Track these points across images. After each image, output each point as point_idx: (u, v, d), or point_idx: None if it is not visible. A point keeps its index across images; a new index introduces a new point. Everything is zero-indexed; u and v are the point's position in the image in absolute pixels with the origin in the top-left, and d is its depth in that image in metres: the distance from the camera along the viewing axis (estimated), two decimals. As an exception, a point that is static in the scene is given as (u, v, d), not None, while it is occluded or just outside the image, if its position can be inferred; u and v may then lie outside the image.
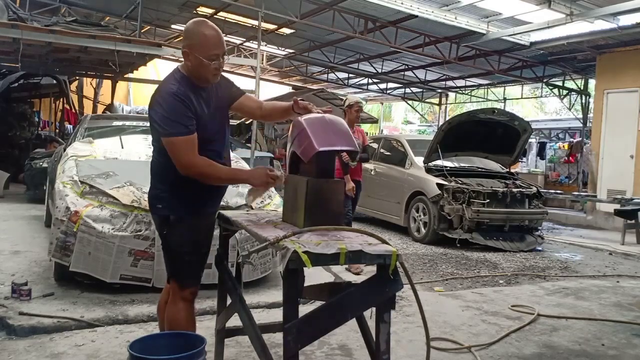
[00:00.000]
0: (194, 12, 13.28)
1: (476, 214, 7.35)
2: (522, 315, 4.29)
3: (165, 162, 2.39)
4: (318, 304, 2.21)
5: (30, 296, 3.79)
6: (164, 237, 2.51)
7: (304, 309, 2.05)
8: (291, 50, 16.57)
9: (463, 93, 20.22)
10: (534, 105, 28.42)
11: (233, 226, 2.61)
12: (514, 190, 7.72)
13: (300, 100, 2.51)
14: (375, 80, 19.82)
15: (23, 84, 13.65)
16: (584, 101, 15.44)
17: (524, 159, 17.60)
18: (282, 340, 1.90)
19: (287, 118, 2.67)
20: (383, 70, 17.64)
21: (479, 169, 8.62)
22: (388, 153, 9.25)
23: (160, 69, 19.40)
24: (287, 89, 22.77)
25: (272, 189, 4.98)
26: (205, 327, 3.48)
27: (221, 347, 2.82)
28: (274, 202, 4.71)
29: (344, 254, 1.91)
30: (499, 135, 8.28)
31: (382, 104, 26.92)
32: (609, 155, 11.26)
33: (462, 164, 8.74)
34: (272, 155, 14.56)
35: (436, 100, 22.13)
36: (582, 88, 15.45)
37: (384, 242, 2.08)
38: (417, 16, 10.68)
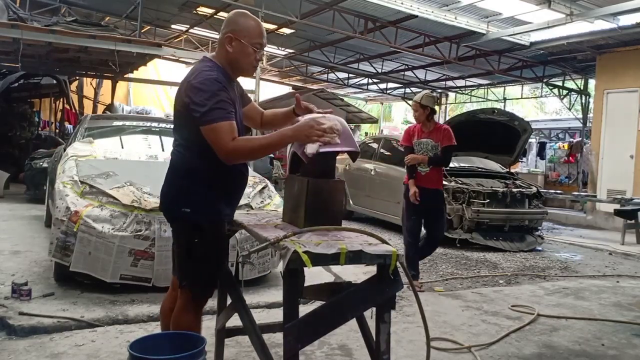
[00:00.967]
0: (194, 12, 13.29)
1: (476, 214, 7.35)
2: (522, 315, 4.29)
3: (199, 160, 2.25)
4: (318, 304, 2.21)
5: (30, 296, 3.79)
6: (192, 245, 2.30)
7: (304, 309, 2.05)
8: (291, 50, 16.58)
9: (463, 93, 20.23)
10: (534, 105, 28.42)
11: (233, 226, 2.61)
12: (514, 190, 7.72)
13: (302, 100, 2.48)
14: (375, 80, 19.83)
15: (23, 84, 13.65)
16: (584, 101, 15.44)
17: (524, 159, 17.60)
18: (282, 340, 1.90)
19: (289, 123, 2.56)
20: (383, 70, 17.64)
21: (479, 169, 8.62)
22: (388, 153, 9.25)
23: (160, 69, 19.40)
24: (287, 89, 22.76)
25: (272, 189, 5.00)
26: (205, 327, 3.47)
27: (221, 347, 2.82)
28: (274, 202, 4.71)
29: (344, 254, 1.91)
30: (499, 135, 8.28)
31: (382, 104, 26.92)
32: (609, 155, 11.26)
33: (462, 164, 8.74)
34: (272, 155, 14.56)
35: (436, 100, 22.13)
36: (582, 88, 15.45)
37: (384, 242, 2.08)
38: (417, 16, 10.69)
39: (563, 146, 18.48)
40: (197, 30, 15.92)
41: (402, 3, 10.24)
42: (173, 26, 15.53)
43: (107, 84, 15.02)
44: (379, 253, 1.97)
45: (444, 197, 5.50)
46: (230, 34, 2.26)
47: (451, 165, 8.44)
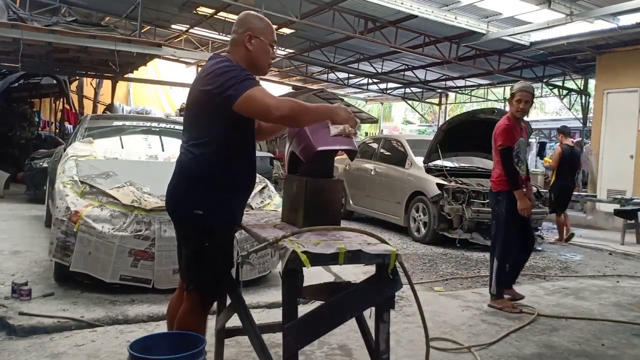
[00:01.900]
0: (194, 12, 13.29)
1: (476, 214, 7.35)
2: (522, 315, 4.29)
3: (214, 160, 2.23)
4: (318, 304, 2.21)
5: (31, 296, 3.79)
6: (201, 248, 2.27)
7: (304, 309, 2.05)
8: (291, 50, 16.57)
9: (463, 93, 20.23)
10: (533, 105, 28.40)
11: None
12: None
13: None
14: (375, 80, 19.83)
15: (23, 84, 13.65)
16: (584, 101, 15.45)
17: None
18: (282, 340, 1.90)
19: (279, 132, 2.69)
20: (383, 70, 17.64)
21: (479, 169, 8.62)
22: (388, 153, 9.25)
23: (160, 69, 19.40)
24: (287, 89, 22.77)
25: (272, 189, 5.00)
26: (205, 327, 3.49)
27: (221, 347, 2.82)
28: (273, 202, 4.71)
29: (343, 254, 1.91)
30: (499, 135, 8.26)
31: (382, 104, 26.92)
32: (609, 155, 11.26)
33: (462, 164, 8.74)
34: (272, 155, 14.56)
35: (436, 100, 22.14)
36: (582, 88, 15.45)
37: (383, 241, 2.09)
38: (417, 16, 10.69)
39: (563, 146, 18.44)
40: (197, 30, 15.92)
41: (402, 3, 10.24)
42: (173, 26, 15.52)
43: (107, 84, 15.02)
44: (378, 253, 1.97)
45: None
46: (250, 32, 2.30)
47: (451, 165, 8.48)
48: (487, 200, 7.44)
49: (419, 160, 8.27)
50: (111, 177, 4.32)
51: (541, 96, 19.76)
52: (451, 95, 21.47)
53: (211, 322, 3.26)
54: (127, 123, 6.45)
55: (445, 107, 22.02)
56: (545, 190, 8.67)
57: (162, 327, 3.52)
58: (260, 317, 3.70)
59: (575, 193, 12.22)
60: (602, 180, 11.40)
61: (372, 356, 2.22)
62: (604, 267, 6.72)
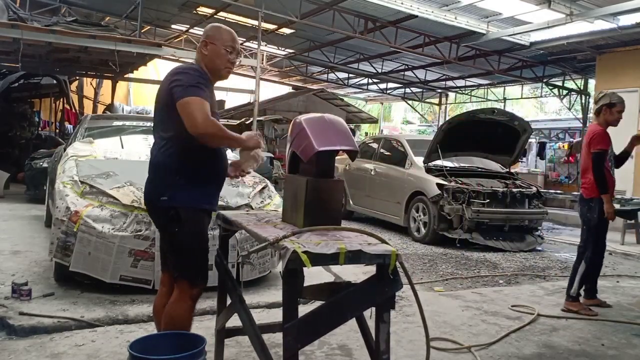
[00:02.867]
0: (194, 12, 13.29)
1: (476, 214, 7.35)
2: (522, 315, 4.29)
3: (179, 150, 2.43)
4: (318, 304, 2.21)
5: (31, 296, 3.79)
6: (174, 234, 2.46)
7: (304, 309, 2.05)
8: (291, 50, 16.58)
9: (463, 93, 20.24)
10: (533, 105, 28.43)
11: (233, 226, 2.62)
12: (514, 190, 7.72)
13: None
14: (375, 80, 19.84)
15: (23, 84, 13.66)
16: (583, 101, 15.45)
17: (524, 159, 17.62)
18: (282, 340, 1.90)
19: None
20: (383, 70, 17.65)
21: (479, 169, 8.62)
22: (388, 153, 9.25)
23: (160, 69, 19.40)
24: (287, 89, 22.78)
25: (272, 189, 5.00)
26: (205, 327, 3.48)
27: (221, 347, 2.82)
28: (274, 202, 4.71)
29: (344, 254, 1.91)
30: (498, 135, 8.28)
31: (382, 104, 26.93)
32: (609, 155, 11.24)
33: (462, 164, 8.74)
34: (272, 155, 14.56)
35: (436, 100, 22.15)
36: (582, 88, 15.46)
37: (383, 242, 2.08)
38: (417, 16, 10.70)
39: (563, 146, 18.48)
40: (197, 30, 15.91)
41: (402, 3, 10.25)
42: (173, 26, 15.53)
43: (107, 84, 15.03)
44: (378, 253, 1.97)
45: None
46: (206, 39, 2.60)
47: (451, 165, 8.48)
48: (488, 201, 7.46)
49: (419, 160, 8.27)
50: (111, 177, 4.32)
51: (541, 96, 19.78)
52: (451, 95, 21.48)
53: (211, 322, 3.27)
54: (127, 123, 6.45)
55: (445, 107, 22.03)
56: (545, 190, 8.67)
57: (162, 327, 3.53)
58: (260, 317, 3.70)
59: (575, 193, 12.24)
60: (602, 180, 11.37)
61: (372, 356, 2.22)
62: (604, 267, 6.70)
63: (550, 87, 15.82)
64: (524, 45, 11.94)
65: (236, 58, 2.63)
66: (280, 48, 16.43)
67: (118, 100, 18.07)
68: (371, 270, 2.09)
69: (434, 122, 24.78)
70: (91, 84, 16.02)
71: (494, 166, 8.77)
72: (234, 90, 20.85)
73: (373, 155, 9.41)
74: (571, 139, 19.16)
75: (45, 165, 8.69)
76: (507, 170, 8.75)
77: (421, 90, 20.80)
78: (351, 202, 9.56)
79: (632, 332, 4.03)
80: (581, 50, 12.01)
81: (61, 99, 15.56)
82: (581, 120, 15.50)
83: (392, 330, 2.23)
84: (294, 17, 11.36)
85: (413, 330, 3.74)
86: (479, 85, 18.93)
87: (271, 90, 22.28)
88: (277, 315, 3.58)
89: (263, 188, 4.83)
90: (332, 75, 19.82)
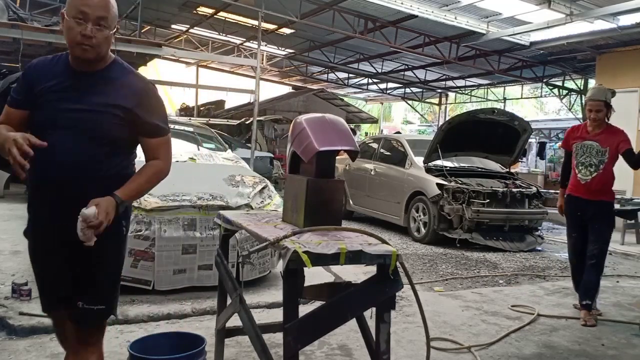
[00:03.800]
0: (194, 12, 13.29)
1: (476, 214, 7.34)
2: (522, 315, 4.29)
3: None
4: (318, 304, 2.21)
5: (31, 296, 3.79)
6: (120, 259, 2.10)
7: (304, 309, 2.05)
8: (291, 50, 16.58)
9: (463, 93, 20.24)
10: (533, 105, 28.43)
11: (233, 226, 2.61)
12: (514, 190, 7.72)
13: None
14: (375, 80, 19.84)
15: (23, 84, 13.63)
16: (583, 101, 15.44)
17: (524, 159, 17.61)
18: (282, 340, 1.90)
19: None
20: (383, 70, 17.65)
21: (479, 169, 8.62)
22: (388, 153, 9.25)
23: (160, 69, 19.40)
24: (287, 89, 22.78)
25: (272, 189, 4.99)
26: (205, 327, 3.48)
27: (221, 347, 2.82)
28: (274, 202, 4.71)
29: (344, 254, 1.91)
30: (499, 135, 8.27)
31: (382, 104, 26.94)
32: (609, 155, 11.24)
33: (462, 164, 8.74)
34: (272, 155, 14.57)
35: (436, 100, 22.15)
36: (582, 88, 15.45)
37: (383, 242, 2.09)
38: (417, 16, 10.69)
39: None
40: (197, 30, 15.92)
41: (402, 3, 10.24)
42: (173, 26, 15.53)
43: (107, 84, 15.00)
44: (378, 253, 1.97)
45: (612, 210, 4.41)
46: (63, 12, 1.94)
47: (451, 165, 8.47)
48: (488, 201, 7.45)
49: (419, 160, 8.27)
50: (111, 177, 4.31)
51: (541, 96, 19.78)
52: (451, 95, 21.48)
53: (211, 322, 3.27)
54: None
55: (445, 107, 22.04)
56: (545, 190, 8.67)
57: (162, 327, 3.53)
58: (260, 317, 3.70)
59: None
60: (602, 180, 11.38)
61: (373, 356, 2.22)
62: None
63: (550, 87, 15.82)
64: (524, 45, 11.94)
65: (97, 28, 1.89)
66: (280, 48, 16.43)
67: (118, 100, 18.01)
68: (371, 270, 2.09)
69: (434, 122, 24.78)
70: (91, 84, 15.99)
71: (494, 166, 8.77)
72: (234, 90, 20.79)
73: (373, 155, 9.41)
74: None
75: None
76: (507, 170, 8.75)
77: (421, 90, 20.80)
78: (351, 202, 9.56)
79: (632, 332, 4.03)
80: (581, 50, 12.01)
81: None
82: (581, 120, 15.49)
83: (392, 330, 2.23)
84: (294, 17, 11.36)
85: (413, 330, 3.74)
86: (479, 85, 18.93)
87: (271, 90, 22.29)
88: (277, 315, 3.58)
89: (263, 188, 4.83)
90: (332, 75, 19.82)
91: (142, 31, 13.26)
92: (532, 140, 18.15)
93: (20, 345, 3.15)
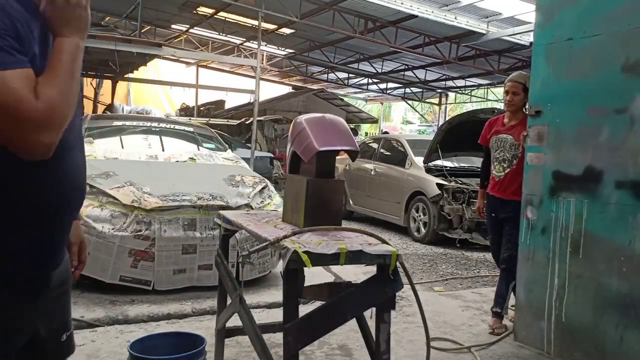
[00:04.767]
0: (194, 12, 13.29)
1: (476, 214, 7.34)
2: (522, 315, 4.29)
3: None
4: (318, 304, 2.21)
5: (30, 296, 3.78)
6: None
7: (304, 309, 2.05)
8: (291, 50, 16.59)
9: (463, 93, 20.25)
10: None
11: (233, 226, 2.61)
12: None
13: None
14: (375, 80, 19.86)
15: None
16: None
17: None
18: (282, 340, 1.90)
19: None
20: (383, 70, 17.66)
21: (479, 169, 8.61)
22: (388, 153, 9.25)
23: (160, 69, 19.41)
24: (287, 89, 22.79)
25: (272, 189, 5.00)
26: (205, 327, 3.48)
27: (221, 347, 2.82)
28: (274, 202, 4.71)
29: (344, 254, 1.91)
30: (499, 135, 8.27)
31: (382, 104, 26.95)
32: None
33: (462, 164, 8.74)
34: (272, 155, 14.56)
35: (436, 100, 22.16)
36: (582, 88, 15.45)
37: (384, 242, 2.08)
38: (417, 16, 10.71)
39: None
40: (197, 30, 15.93)
41: (402, 3, 10.25)
42: (173, 26, 15.53)
43: (107, 84, 15.04)
44: (378, 253, 1.97)
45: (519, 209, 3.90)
46: None
47: (451, 165, 8.47)
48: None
49: (419, 160, 8.27)
50: (111, 177, 4.31)
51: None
52: (451, 95, 21.50)
53: (211, 322, 3.26)
54: (127, 123, 6.45)
55: (445, 107, 22.05)
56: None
57: (162, 327, 3.53)
58: (260, 317, 3.70)
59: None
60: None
61: (373, 356, 2.22)
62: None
63: (550, 87, 15.83)
64: (524, 45, 11.95)
65: None
66: (280, 48, 16.44)
67: (118, 100, 18.06)
68: (371, 270, 2.09)
69: (434, 122, 24.80)
70: (91, 84, 16.01)
71: (494, 166, 8.76)
72: (234, 90, 20.83)
73: (373, 155, 9.41)
74: None
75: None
76: (507, 170, 8.74)
77: (421, 90, 20.81)
78: (351, 202, 9.56)
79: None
80: (581, 50, 12.02)
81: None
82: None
83: (392, 330, 2.23)
84: (294, 17, 11.37)
85: (413, 330, 3.74)
86: (479, 85, 18.95)
87: (271, 90, 22.30)
88: (277, 315, 3.58)
89: (263, 188, 4.83)
90: (332, 75, 19.84)
91: (142, 31, 13.27)
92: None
93: (20, 345, 3.14)
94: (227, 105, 20.74)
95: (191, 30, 15.76)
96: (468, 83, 18.56)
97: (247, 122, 15.37)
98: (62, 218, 1.42)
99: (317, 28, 12.31)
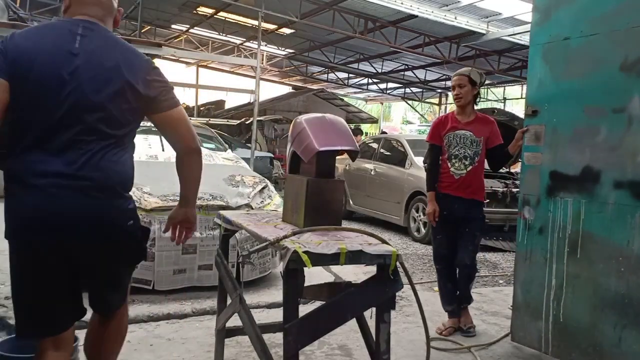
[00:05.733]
0: (194, 12, 13.30)
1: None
2: (522, 315, 4.29)
3: (130, 156, 2.02)
4: (318, 304, 2.21)
5: (31, 296, 3.79)
6: (144, 251, 2.08)
7: (304, 309, 2.05)
8: (291, 50, 16.60)
9: (463, 93, 20.23)
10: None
11: (233, 226, 2.62)
12: (514, 190, 7.72)
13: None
14: (375, 80, 19.86)
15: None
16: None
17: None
18: (282, 340, 1.90)
19: None
20: (383, 70, 17.67)
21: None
22: (388, 153, 9.25)
23: (160, 68, 19.38)
24: (287, 89, 22.79)
25: (272, 189, 5.00)
26: (206, 327, 3.49)
27: (221, 347, 2.82)
28: (274, 202, 4.71)
29: (344, 254, 1.92)
30: (498, 135, 8.27)
31: (382, 104, 26.95)
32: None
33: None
34: (272, 155, 14.57)
35: (436, 100, 22.17)
36: (582, 88, 15.45)
37: (384, 242, 2.09)
38: (417, 16, 10.71)
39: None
40: (197, 30, 15.93)
41: (402, 3, 10.26)
42: (173, 26, 15.54)
43: (107, 84, 15.01)
44: (379, 253, 1.97)
45: (483, 212, 3.89)
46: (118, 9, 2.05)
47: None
48: (487, 201, 7.44)
49: (419, 160, 8.27)
50: (111, 177, 4.31)
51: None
52: (451, 95, 21.50)
53: (211, 322, 3.27)
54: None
55: (445, 107, 22.04)
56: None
57: (162, 327, 3.53)
58: (260, 317, 3.71)
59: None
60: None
61: (373, 356, 2.23)
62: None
63: (550, 87, 15.83)
64: (523, 45, 11.94)
65: None
66: (280, 48, 16.44)
67: (118, 100, 18.03)
68: (371, 270, 2.09)
69: (434, 122, 24.78)
70: (91, 84, 16.01)
71: (494, 166, 8.77)
72: (234, 90, 20.82)
73: (373, 155, 9.42)
74: None
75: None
76: (507, 170, 8.75)
77: (421, 90, 20.82)
78: (351, 202, 9.57)
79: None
80: (581, 50, 12.02)
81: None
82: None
83: (392, 330, 2.24)
84: (294, 17, 11.37)
85: (413, 330, 3.74)
86: (479, 85, 18.94)
87: (271, 90, 22.31)
88: (277, 315, 3.59)
89: (263, 188, 4.83)
90: (332, 75, 19.84)
91: (142, 31, 13.27)
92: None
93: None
94: (227, 105, 20.75)
95: (191, 30, 15.76)
96: (468, 83, 18.56)
97: (247, 122, 15.38)
98: None
99: (317, 28, 12.32)
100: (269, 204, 4.66)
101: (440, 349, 3.45)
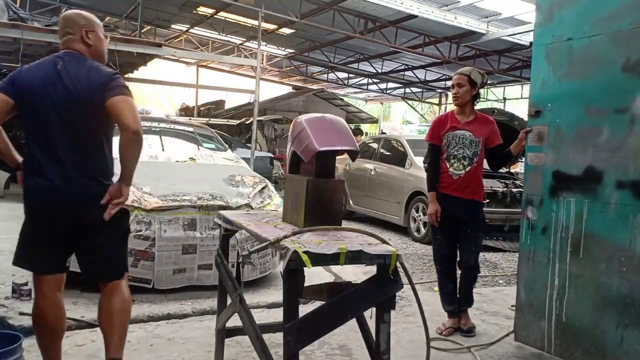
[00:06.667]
0: (194, 12, 13.30)
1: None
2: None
3: (106, 143, 2.57)
4: (318, 304, 2.21)
5: (31, 296, 3.78)
6: (125, 231, 2.66)
7: (304, 309, 2.05)
8: (291, 50, 16.60)
9: (463, 93, 20.23)
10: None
11: (233, 226, 2.61)
12: (514, 190, 7.72)
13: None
14: (375, 80, 19.86)
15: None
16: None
17: (524, 159, 17.60)
18: (282, 340, 1.90)
19: None
20: (383, 70, 17.67)
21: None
22: (388, 153, 9.25)
23: (160, 69, 19.39)
24: (287, 89, 22.80)
25: (272, 189, 5.00)
26: (206, 327, 3.49)
27: (221, 347, 2.82)
28: (274, 202, 4.71)
29: (344, 254, 1.91)
30: (498, 135, 8.27)
31: (382, 103, 26.95)
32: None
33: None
34: (272, 155, 14.56)
35: (436, 100, 22.16)
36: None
37: (384, 242, 2.09)
38: (417, 16, 10.71)
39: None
40: (197, 30, 15.93)
41: (402, 3, 10.26)
42: (173, 26, 15.54)
43: (107, 84, 15.00)
44: (378, 253, 1.97)
45: (483, 213, 3.90)
46: (87, 29, 2.63)
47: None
48: (487, 201, 7.44)
49: (419, 160, 8.26)
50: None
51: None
52: (451, 95, 21.49)
53: (211, 322, 3.26)
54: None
55: (445, 107, 22.03)
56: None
57: (162, 327, 3.53)
58: (260, 317, 3.70)
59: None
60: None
61: (373, 356, 2.22)
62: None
63: (550, 87, 15.82)
64: (523, 45, 11.95)
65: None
66: (280, 48, 16.44)
67: (118, 100, 18.03)
68: (371, 270, 2.09)
69: (434, 122, 24.76)
70: (91, 84, 16.02)
71: (494, 166, 8.76)
72: (234, 90, 20.85)
73: (373, 155, 9.42)
74: None
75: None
76: (507, 170, 8.75)
77: (421, 90, 20.81)
78: (351, 202, 9.56)
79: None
80: (581, 50, 12.02)
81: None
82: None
83: (392, 330, 2.23)
84: (294, 17, 11.37)
85: (413, 330, 3.74)
86: (479, 85, 18.94)
87: (271, 90, 22.30)
88: (277, 315, 3.58)
89: (263, 188, 4.83)
90: (332, 75, 19.84)
91: (142, 31, 13.26)
92: (532, 140, 18.15)
93: (20, 345, 3.14)
94: (227, 105, 20.75)
95: (191, 30, 15.76)
96: (468, 83, 18.56)
97: (247, 122, 15.37)
98: None
99: (317, 28, 12.32)
100: (269, 204, 4.65)
101: (441, 349, 3.45)
